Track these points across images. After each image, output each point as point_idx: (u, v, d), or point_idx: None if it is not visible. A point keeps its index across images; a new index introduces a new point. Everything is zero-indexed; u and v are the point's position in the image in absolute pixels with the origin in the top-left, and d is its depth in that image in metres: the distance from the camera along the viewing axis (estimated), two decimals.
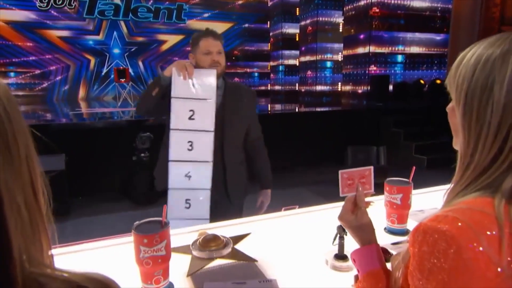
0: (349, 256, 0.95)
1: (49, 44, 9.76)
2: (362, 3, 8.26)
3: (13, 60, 9.43)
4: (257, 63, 12.46)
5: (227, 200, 1.73)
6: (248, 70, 12.48)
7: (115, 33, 10.30)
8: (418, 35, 8.49)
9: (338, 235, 1.01)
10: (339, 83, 9.73)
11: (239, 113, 1.72)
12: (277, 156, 5.07)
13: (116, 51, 10.43)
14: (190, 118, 1.53)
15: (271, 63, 12.48)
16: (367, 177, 0.98)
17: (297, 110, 7.93)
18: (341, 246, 1.01)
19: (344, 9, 9.01)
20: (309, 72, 10.64)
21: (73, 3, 9.48)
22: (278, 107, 8.98)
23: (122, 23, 10.30)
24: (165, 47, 11.01)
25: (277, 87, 12.26)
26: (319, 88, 10.26)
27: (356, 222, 0.81)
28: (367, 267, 0.73)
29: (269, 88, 12.65)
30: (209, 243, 1.08)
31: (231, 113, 1.69)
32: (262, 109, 8.88)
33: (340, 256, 1.01)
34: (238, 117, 1.71)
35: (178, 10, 10.79)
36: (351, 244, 0.88)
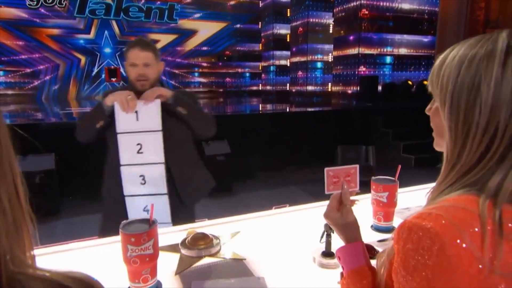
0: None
1: (39, 42, 9.63)
2: (351, 5, 8.35)
3: (2, 58, 9.29)
4: (249, 63, 12.49)
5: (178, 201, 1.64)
6: (240, 70, 12.49)
7: (106, 32, 10.21)
8: (406, 36, 8.62)
9: (325, 233, 1.02)
10: (329, 84, 9.81)
11: (178, 122, 1.58)
12: (268, 155, 5.12)
13: (107, 50, 10.34)
14: (138, 152, 1.48)
15: (263, 63, 12.52)
16: (352, 175, 0.99)
17: (287, 110, 7.99)
18: (328, 243, 1.02)
19: (334, 10, 9.09)
20: (300, 73, 10.71)
21: (64, 1, 9.38)
22: (269, 107, 9.02)
23: (114, 23, 10.22)
24: (157, 46, 10.97)
25: (268, 87, 12.30)
26: (309, 88, 10.33)
27: (341, 220, 0.81)
28: (352, 264, 0.74)
29: (260, 88, 12.69)
30: (198, 242, 1.09)
31: (172, 125, 1.56)
32: (253, 109, 8.92)
33: (327, 253, 1.02)
34: (178, 126, 1.58)
35: (170, 10, 10.75)
36: (338, 241, 0.89)
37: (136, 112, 1.46)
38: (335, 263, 0.99)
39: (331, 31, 9.44)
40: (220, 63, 12.19)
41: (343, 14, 8.72)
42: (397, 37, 8.52)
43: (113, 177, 1.54)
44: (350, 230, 0.80)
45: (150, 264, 0.87)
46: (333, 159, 5.35)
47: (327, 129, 5.74)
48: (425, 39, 8.66)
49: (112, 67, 8.49)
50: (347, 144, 5.00)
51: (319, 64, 10.19)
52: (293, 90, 11.16)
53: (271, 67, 11.93)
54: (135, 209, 1.52)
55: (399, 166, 1.22)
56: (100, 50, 10.29)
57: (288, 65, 11.43)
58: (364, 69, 8.40)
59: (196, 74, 12.01)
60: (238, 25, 11.97)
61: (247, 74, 12.69)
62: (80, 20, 9.94)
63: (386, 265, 0.62)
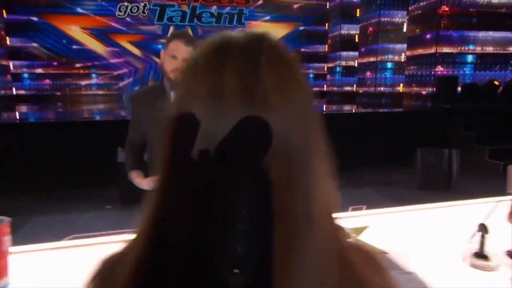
0: (489, 255, 0.98)
1: (123, 48, 10.71)
2: (430, 1, 7.96)
3: (95, 63, 10.52)
4: (312, 65, 12.50)
5: None
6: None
7: None
8: (491, 33, 7.98)
9: (481, 234, 1.01)
10: (401, 84, 9.45)
11: None
12: (342, 155, 5.13)
13: None
14: None
15: (328, 65, 12.44)
16: None
17: (353, 111, 7.88)
18: (482, 244, 1.02)
19: (410, 8, 8.74)
20: (368, 73, 10.47)
21: (146, 11, 10.30)
22: (334, 108, 8.97)
23: (189, 28, 10.96)
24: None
25: (334, 88, 12.18)
26: (378, 89, 10.04)
27: None
28: None
29: (325, 89, 12.60)
30: None
31: None
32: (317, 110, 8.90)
33: (480, 254, 1.01)
34: None
35: (239, 15, 11.21)
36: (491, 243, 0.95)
37: None
38: (488, 265, 0.98)
39: (404, 30, 9.10)
40: None
41: (419, 11, 8.36)
42: (481, 34, 7.93)
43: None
44: None
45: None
46: (410, 162, 5.21)
47: (403, 131, 5.59)
48: None
49: None
50: (425, 146, 4.83)
51: (389, 65, 9.86)
52: (360, 91, 10.93)
53: (337, 68, 11.81)
54: None
55: None
56: None
57: (356, 65, 11.22)
58: (441, 68, 7.97)
59: None
60: (304, 27, 12.05)
61: (311, 76, 12.68)
62: (158, 27, 10.82)
63: None
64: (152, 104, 1.50)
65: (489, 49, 8.12)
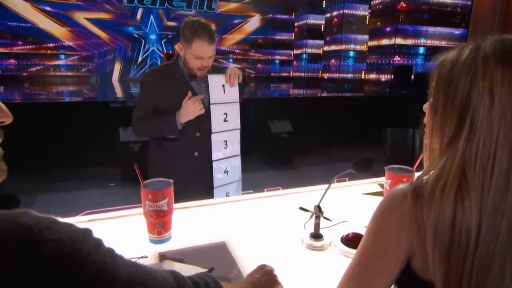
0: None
1: (89, 29, 10.44)
2: None
3: (63, 43, 10.16)
4: (280, 51, 13.10)
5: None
6: (270, 57, 13.13)
7: (152, 20, 10.98)
8: (439, 29, 9.12)
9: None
10: (363, 72, 10.40)
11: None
12: (316, 135, 5.64)
13: (153, 37, 11.12)
14: (224, 120, 1.61)
15: (295, 52, 13.12)
16: None
17: (318, 95, 8.58)
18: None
19: (372, 3, 9.62)
20: (332, 61, 11.31)
21: None
22: (300, 92, 9.59)
23: (160, 12, 10.95)
24: None
25: (300, 74, 12.89)
26: (341, 75, 10.92)
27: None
28: None
29: (291, 75, 13.30)
30: None
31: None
32: (283, 93, 9.45)
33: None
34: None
35: (209, 0, 11.39)
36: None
37: (223, 86, 1.58)
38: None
39: (367, 22, 9.98)
40: (253, 51, 12.84)
41: (380, 6, 9.25)
42: (431, 29, 9.04)
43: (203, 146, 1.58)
44: None
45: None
46: (374, 141, 5.89)
47: (366, 114, 6.19)
48: (457, 31, 9.16)
49: (170, 52, 9.21)
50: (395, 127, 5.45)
51: (352, 53, 10.76)
52: (325, 77, 11.76)
53: (303, 55, 12.52)
54: (218, 171, 1.63)
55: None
56: (146, 36, 11.09)
57: (321, 53, 12.00)
58: (398, 58, 8.96)
59: (231, 60, 12.73)
60: (271, 15, 12.54)
61: (277, 61, 13.31)
62: (128, 9, 10.69)
63: None
64: (167, 82, 1.55)
65: (437, 43, 9.29)
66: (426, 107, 0.61)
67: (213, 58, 1.55)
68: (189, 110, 1.48)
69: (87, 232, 0.43)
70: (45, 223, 0.37)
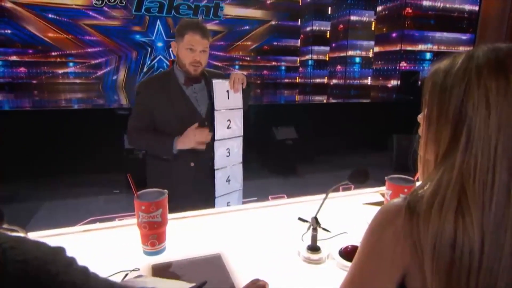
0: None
1: (99, 38, 10.60)
2: (395, 3, 8.86)
3: (72, 52, 10.33)
4: (285, 58, 13.13)
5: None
6: (276, 63, 13.16)
7: (159, 27, 11.11)
8: (445, 34, 9.07)
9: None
10: (368, 78, 10.37)
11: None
12: (321, 141, 5.62)
13: (160, 44, 11.24)
14: (228, 127, 1.59)
15: (300, 58, 13.15)
16: None
17: (324, 101, 8.55)
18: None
19: (377, 9, 9.61)
20: (338, 67, 11.30)
21: (123, 1, 10.26)
22: (306, 98, 9.56)
23: (168, 19, 11.08)
24: None
25: (306, 80, 12.87)
26: (348, 81, 10.89)
27: None
28: None
29: (297, 81, 13.30)
30: None
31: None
32: (289, 99, 9.43)
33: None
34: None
35: (215, 8, 11.50)
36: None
37: (227, 91, 1.55)
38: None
39: (372, 28, 9.98)
40: (259, 57, 12.89)
41: (386, 12, 9.25)
42: (438, 34, 8.99)
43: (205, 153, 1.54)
44: None
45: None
46: (382, 147, 5.85)
47: (372, 120, 6.12)
48: (464, 36, 9.10)
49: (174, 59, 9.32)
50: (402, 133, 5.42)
51: (357, 59, 10.75)
52: (331, 83, 11.74)
53: (309, 61, 12.52)
54: (221, 180, 1.60)
55: None
56: (153, 43, 11.22)
57: (327, 59, 12.01)
58: (405, 64, 8.92)
59: (237, 67, 12.79)
60: (277, 22, 12.60)
61: (283, 68, 13.33)
62: (136, 17, 10.83)
63: None
64: (162, 91, 1.52)
65: (444, 48, 9.23)
66: (420, 117, 0.59)
67: (207, 56, 1.54)
68: (189, 139, 1.46)
69: (58, 251, 0.41)
70: (11, 242, 0.36)
